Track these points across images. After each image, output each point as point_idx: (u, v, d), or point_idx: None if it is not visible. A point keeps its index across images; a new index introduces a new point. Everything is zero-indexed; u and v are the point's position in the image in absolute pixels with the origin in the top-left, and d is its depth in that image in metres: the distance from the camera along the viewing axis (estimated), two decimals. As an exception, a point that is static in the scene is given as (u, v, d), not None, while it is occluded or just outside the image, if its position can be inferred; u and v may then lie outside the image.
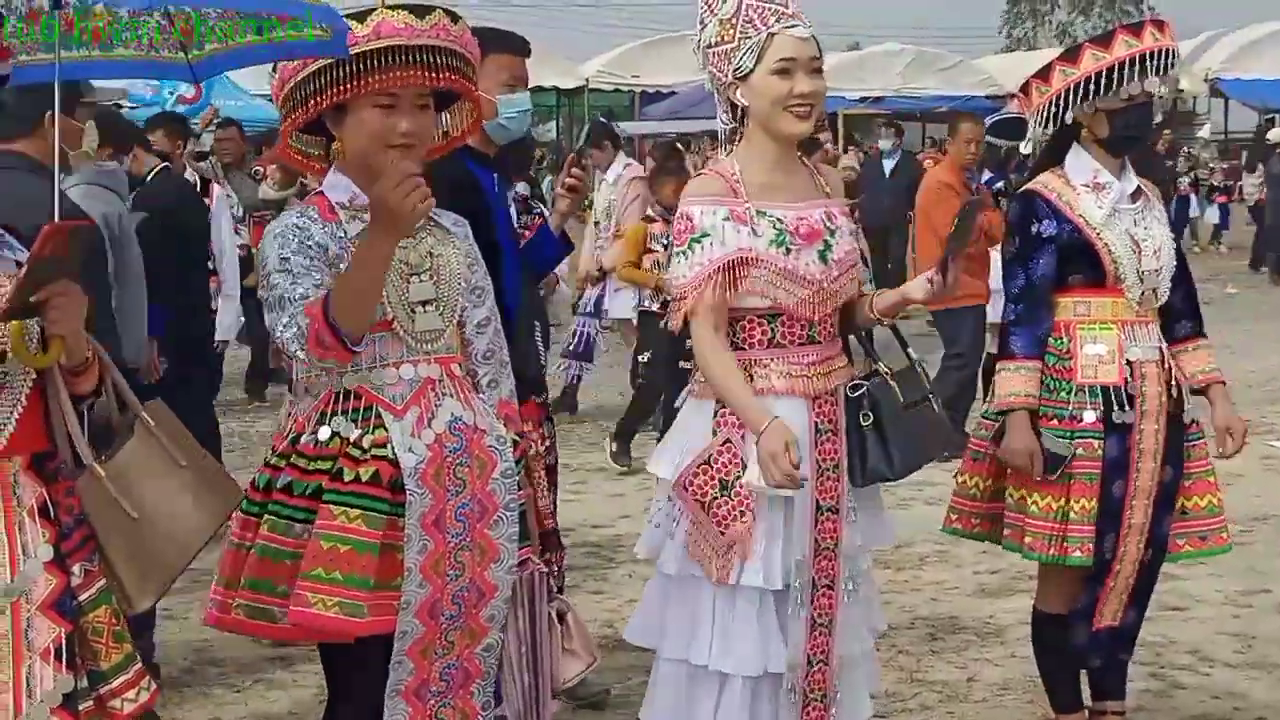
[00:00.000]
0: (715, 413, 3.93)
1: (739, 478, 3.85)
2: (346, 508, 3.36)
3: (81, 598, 3.11)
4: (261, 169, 13.24)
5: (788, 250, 3.90)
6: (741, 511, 3.84)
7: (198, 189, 8.69)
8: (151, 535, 3.24)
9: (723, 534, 3.84)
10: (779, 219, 3.92)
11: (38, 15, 3.56)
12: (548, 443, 5.56)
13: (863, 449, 4.00)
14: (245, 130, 13.50)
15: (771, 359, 3.93)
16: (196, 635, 6.01)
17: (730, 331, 3.94)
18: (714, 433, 3.92)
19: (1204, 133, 34.66)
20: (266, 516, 3.42)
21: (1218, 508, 4.65)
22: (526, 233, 5.49)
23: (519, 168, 5.48)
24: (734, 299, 3.87)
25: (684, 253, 3.88)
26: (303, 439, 3.48)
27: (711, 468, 3.88)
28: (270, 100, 3.85)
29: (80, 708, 3.08)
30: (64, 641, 3.04)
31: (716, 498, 3.85)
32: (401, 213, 3.23)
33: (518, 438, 3.75)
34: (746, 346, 3.94)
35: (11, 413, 3.01)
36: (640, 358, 10.07)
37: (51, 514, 3.08)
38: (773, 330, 3.94)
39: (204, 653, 5.99)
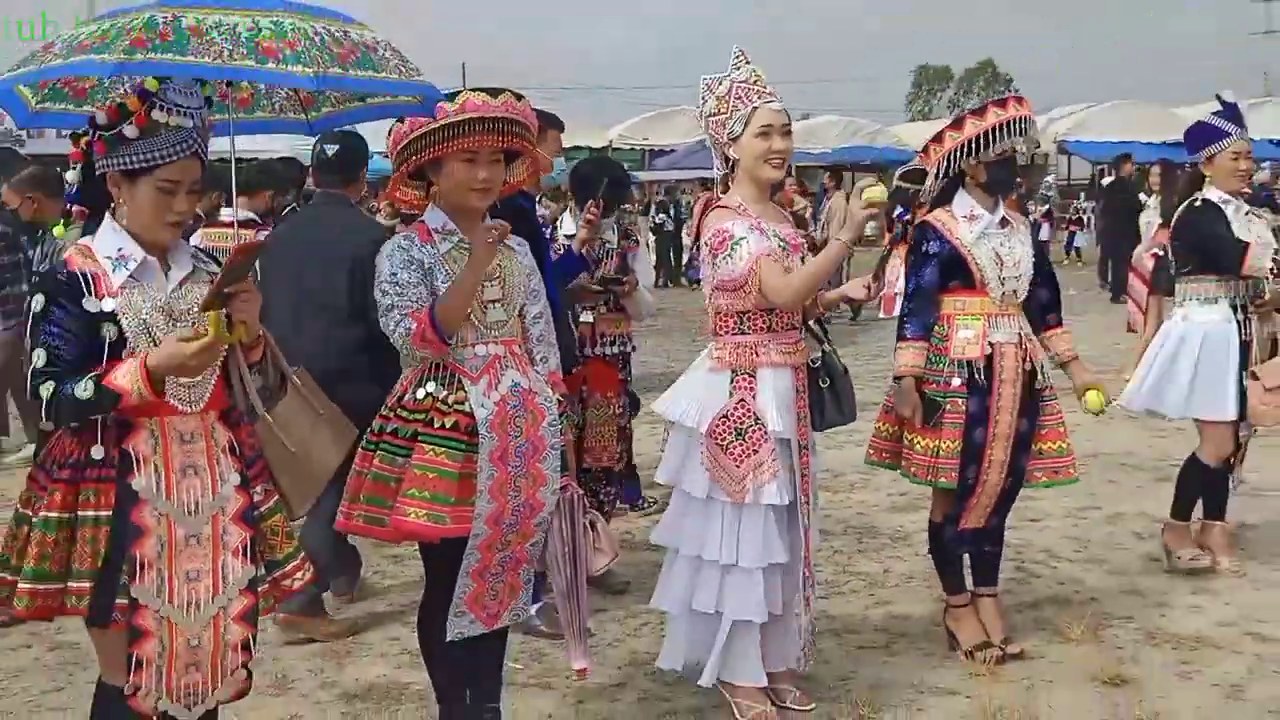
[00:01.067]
0: (731, 379, 3.99)
1: (750, 427, 3.92)
2: (435, 446, 3.44)
3: (262, 509, 3.14)
4: (376, 204, 13.35)
5: (788, 254, 3.96)
6: (754, 449, 3.89)
7: None
8: (304, 463, 3.27)
9: (738, 467, 3.89)
10: (777, 232, 3.98)
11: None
12: (622, 409, 5.56)
13: (822, 404, 4.13)
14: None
15: (770, 341, 4.00)
16: (331, 540, 6.06)
17: (738, 322, 3.99)
18: (730, 394, 3.96)
19: (1049, 179, 34.76)
20: (379, 452, 3.51)
21: (1066, 450, 4.67)
22: (625, 248, 5.49)
23: (618, 201, 5.47)
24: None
25: (730, 254, 3.94)
26: (405, 397, 3.55)
27: (729, 420, 3.95)
28: (383, 156, 3.89)
29: (260, 589, 3.11)
30: (248, 543, 3.07)
31: (733, 442, 3.93)
32: (486, 258, 3.41)
33: (561, 398, 3.77)
34: (752, 332, 4.00)
35: (212, 377, 3.04)
36: None
37: (238, 450, 3.10)
38: (770, 320, 4.01)
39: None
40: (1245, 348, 5.40)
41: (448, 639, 3.60)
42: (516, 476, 3.53)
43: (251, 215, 7.17)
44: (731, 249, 3.92)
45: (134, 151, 2.92)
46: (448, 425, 3.46)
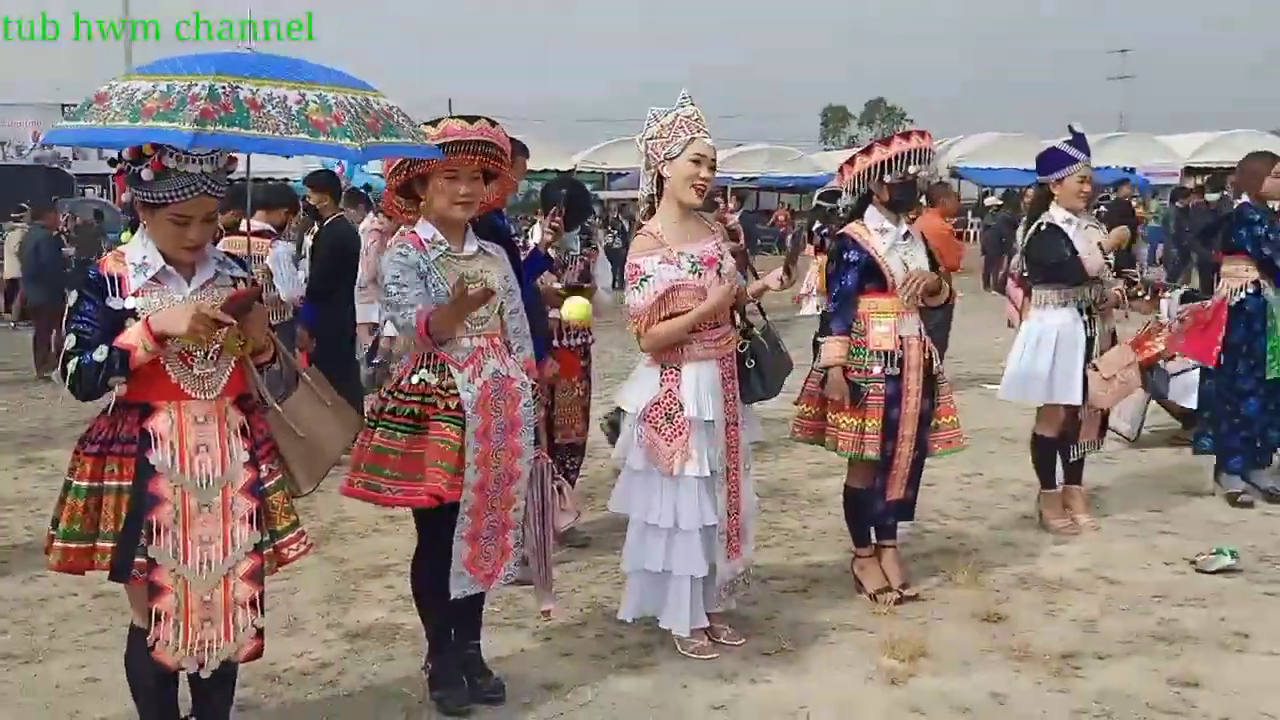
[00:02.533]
0: (661, 372, 3.99)
1: (676, 412, 3.94)
2: (445, 423, 3.41)
3: (267, 485, 3.09)
4: (356, 214, 13.35)
5: (700, 275, 3.94)
6: (680, 430, 3.91)
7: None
8: (312, 447, 3.23)
9: (668, 445, 3.90)
10: (691, 255, 3.97)
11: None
12: (580, 392, 5.53)
13: (748, 382, 4.12)
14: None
15: (695, 339, 3.99)
16: (337, 503, 5.98)
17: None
18: (660, 385, 3.97)
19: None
20: (379, 428, 3.46)
21: (957, 423, 4.69)
22: (587, 255, 5.43)
23: (581, 215, 5.45)
24: (669, 310, 3.93)
25: (638, 288, 3.95)
26: (403, 381, 3.51)
27: (660, 406, 3.96)
28: (378, 175, 3.85)
29: (264, 552, 3.07)
30: (254, 512, 3.03)
31: (664, 424, 3.95)
32: (471, 306, 3.37)
33: (535, 382, 3.75)
34: None
35: (226, 370, 3.01)
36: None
37: (249, 432, 3.06)
38: None
39: (341, 514, 5.97)
40: (1089, 343, 5.41)
41: (452, 597, 3.57)
42: (497, 450, 3.51)
43: (268, 227, 7.08)
44: (640, 284, 3.93)
45: (148, 190, 2.89)
46: (451, 407, 3.44)
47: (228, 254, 3.24)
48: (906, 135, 4.53)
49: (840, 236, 4.62)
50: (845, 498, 4.80)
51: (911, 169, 4.46)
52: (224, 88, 2.83)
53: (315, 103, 2.92)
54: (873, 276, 4.51)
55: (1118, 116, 55.28)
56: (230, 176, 3.11)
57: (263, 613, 3.08)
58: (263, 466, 3.08)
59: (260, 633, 3.08)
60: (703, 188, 3.98)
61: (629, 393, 4.11)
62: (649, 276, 3.93)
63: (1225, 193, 15.46)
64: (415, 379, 3.49)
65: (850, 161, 4.60)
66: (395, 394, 3.51)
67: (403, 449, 3.43)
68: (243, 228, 6.82)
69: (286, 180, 12.59)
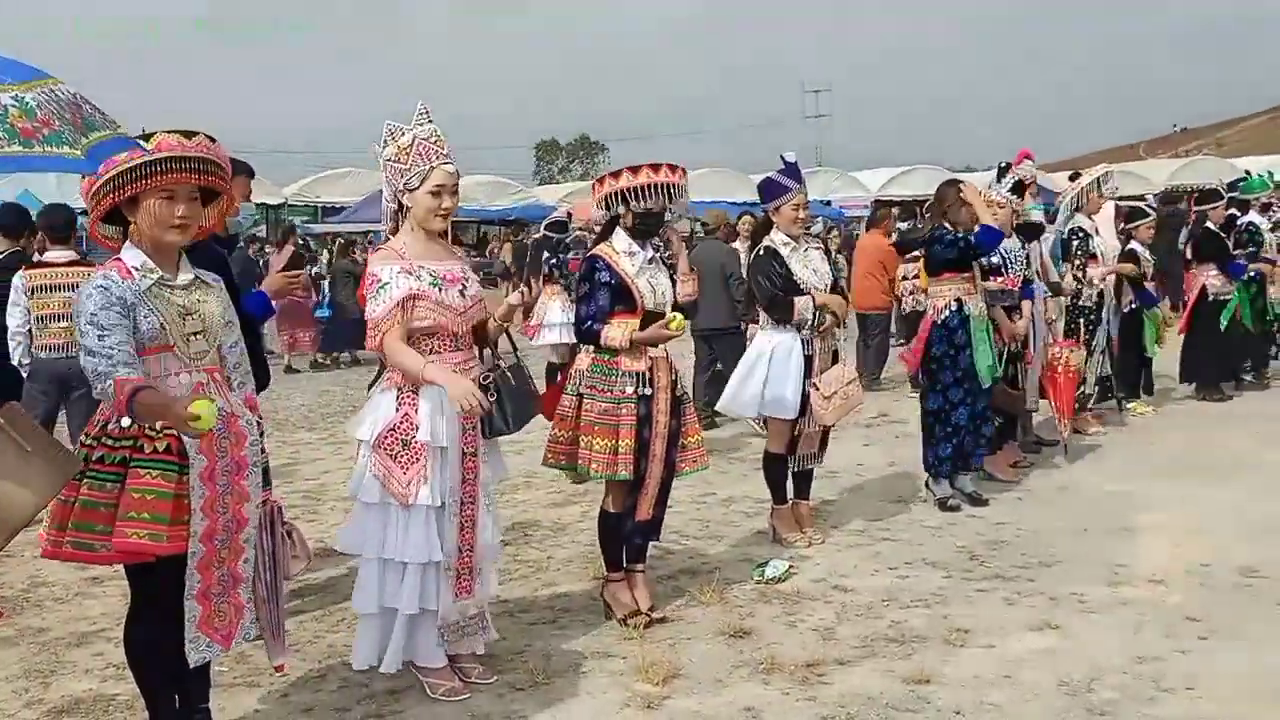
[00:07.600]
0: (397, 395, 3.79)
1: (413, 438, 3.74)
2: (149, 469, 3.06)
3: None
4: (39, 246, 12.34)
5: (440, 289, 3.80)
6: (415, 458, 3.72)
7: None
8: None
9: (404, 473, 3.70)
10: (432, 270, 3.83)
11: None
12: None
13: (490, 415, 3.93)
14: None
15: (435, 361, 3.81)
16: (32, 567, 5.39)
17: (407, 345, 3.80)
18: (396, 409, 3.77)
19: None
20: (85, 479, 3.08)
21: (701, 442, 4.77)
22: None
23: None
24: (409, 322, 3.77)
25: (375, 296, 3.76)
26: (109, 425, 3.14)
27: (396, 432, 3.75)
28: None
29: None
30: None
31: (400, 451, 3.74)
32: (185, 431, 2.93)
33: (259, 419, 3.47)
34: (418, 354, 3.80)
35: None
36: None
37: None
38: (433, 343, 3.84)
39: (36, 578, 5.35)
40: (809, 361, 5.62)
41: (191, 666, 3.25)
42: (224, 494, 3.22)
43: None
44: (378, 291, 3.77)
45: None
46: (160, 449, 3.10)
47: None
48: (656, 168, 4.50)
49: (591, 257, 4.59)
50: (601, 522, 4.75)
51: (652, 204, 4.48)
52: None
53: (15, 107, 2.53)
54: (623, 297, 4.50)
55: (815, 150, 59.29)
56: None
57: None
58: None
59: None
60: (447, 215, 3.87)
61: (363, 420, 3.90)
62: (386, 284, 3.77)
63: (916, 221, 16.80)
64: (125, 421, 3.12)
65: (601, 180, 4.61)
66: (101, 440, 3.14)
67: (115, 501, 3.07)
68: None
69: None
